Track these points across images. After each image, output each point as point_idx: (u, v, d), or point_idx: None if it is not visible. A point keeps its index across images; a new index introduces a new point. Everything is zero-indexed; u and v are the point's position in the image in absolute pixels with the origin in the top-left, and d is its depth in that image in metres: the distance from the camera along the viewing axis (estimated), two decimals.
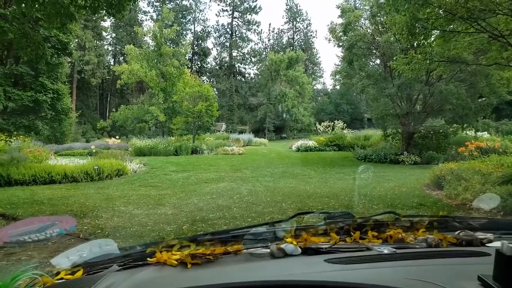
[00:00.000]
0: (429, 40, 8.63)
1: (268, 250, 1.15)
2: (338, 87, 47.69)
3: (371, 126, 29.72)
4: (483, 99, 14.45)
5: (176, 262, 1.06)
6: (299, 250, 1.14)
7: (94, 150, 17.78)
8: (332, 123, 28.64)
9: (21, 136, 12.56)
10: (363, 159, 16.51)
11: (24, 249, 4.59)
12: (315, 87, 56.50)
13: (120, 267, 1.10)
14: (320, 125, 30.17)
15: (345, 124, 27.89)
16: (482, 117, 17.26)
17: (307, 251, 1.15)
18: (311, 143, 22.90)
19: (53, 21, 5.53)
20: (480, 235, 1.27)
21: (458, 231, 1.31)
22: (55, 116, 11.50)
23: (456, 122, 15.67)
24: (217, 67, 56.23)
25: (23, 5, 4.84)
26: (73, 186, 10.31)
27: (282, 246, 1.14)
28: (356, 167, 13.91)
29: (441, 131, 16.25)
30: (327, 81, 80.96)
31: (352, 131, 27.36)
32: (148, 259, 1.11)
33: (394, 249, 1.14)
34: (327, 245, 1.18)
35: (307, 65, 57.37)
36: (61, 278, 1.09)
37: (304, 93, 43.40)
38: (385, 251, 1.12)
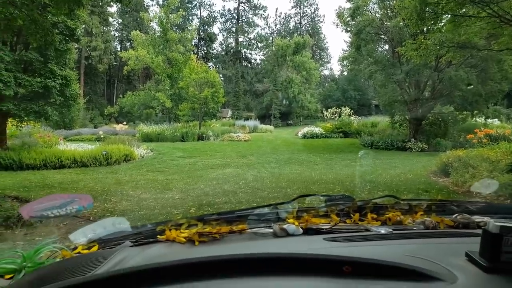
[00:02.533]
0: (439, 25, 8.49)
1: (271, 230, 1.21)
2: (345, 73, 47.31)
3: (379, 112, 29.48)
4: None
5: (184, 240, 1.12)
6: (301, 231, 1.19)
7: (102, 136, 17.98)
8: (339, 109, 28.45)
9: (31, 122, 12.71)
10: (370, 146, 16.47)
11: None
12: (322, 73, 55.97)
13: (133, 243, 1.17)
14: (326, 111, 30.01)
15: (352, 111, 27.70)
16: (492, 104, 16.99)
17: (308, 232, 1.20)
18: (317, 130, 22.82)
19: (61, 7, 5.55)
20: (477, 218, 1.30)
21: (456, 215, 1.34)
22: (64, 102, 11.60)
23: (465, 109, 15.46)
24: (223, 53, 55.78)
25: None
26: (82, 171, 10.46)
27: (285, 226, 1.20)
28: (365, 153, 13.93)
29: (449, 118, 16.07)
30: (334, 67, 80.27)
31: (359, 117, 27.17)
32: (158, 236, 1.18)
33: (391, 230, 1.19)
34: (328, 226, 1.23)
35: (314, 51, 56.67)
36: (79, 252, 1.17)
37: (311, 79, 42.96)
38: (382, 231, 1.17)
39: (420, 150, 15.04)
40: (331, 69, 66.89)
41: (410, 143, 15.47)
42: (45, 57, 10.66)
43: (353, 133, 21.36)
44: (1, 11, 6.65)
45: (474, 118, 17.47)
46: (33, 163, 10.55)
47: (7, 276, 1.05)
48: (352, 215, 1.33)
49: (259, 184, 8.20)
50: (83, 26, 25.80)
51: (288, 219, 1.27)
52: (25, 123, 12.53)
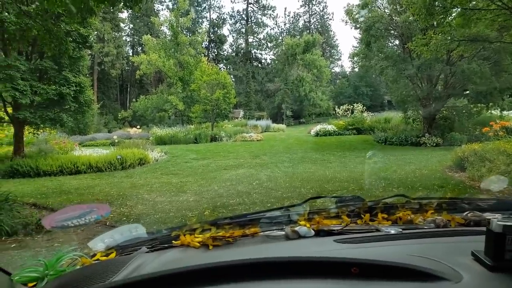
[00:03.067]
0: (448, 19, 8.36)
1: (283, 233, 1.23)
2: (356, 69, 46.79)
3: (392, 108, 29.13)
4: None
5: (198, 244, 1.16)
6: (312, 232, 1.21)
7: (116, 140, 18.24)
8: (351, 106, 28.16)
9: (47, 129, 13.01)
10: (384, 142, 16.32)
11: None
12: (333, 70, 55.60)
13: (149, 249, 1.21)
14: (339, 108, 29.75)
15: (364, 107, 27.38)
16: (508, 96, 16.59)
17: (320, 233, 1.22)
18: (330, 127, 22.69)
19: (74, 16, 5.69)
20: (488, 215, 1.29)
21: (467, 212, 1.34)
22: (78, 108, 11.86)
23: (480, 101, 15.14)
24: (234, 54, 55.92)
25: (46, 1, 4.99)
26: (98, 176, 10.65)
27: (296, 228, 1.22)
28: (376, 151, 13.81)
29: (464, 111, 15.77)
30: (345, 63, 79.68)
31: (372, 114, 26.85)
32: (173, 241, 1.22)
33: (401, 230, 1.20)
34: (339, 227, 1.25)
35: (324, 48, 56.34)
36: (97, 259, 1.22)
37: (322, 76, 42.70)
38: (392, 232, 1.18)
39: (434, 145, 14.83)
40: (342, 66, 66.47)
41: (424, 138, 15.27)
42: (60, 65, 10.92)
43: (366, 130, 21.13)
44: (17, 22, 6.87)
45: (489, 111, 17.08)
46: (50, 170, 10.80)
47: (30, 284, 1.09)
48: (362, 216, 1.34)
49: (273, 184, 8.22)
50: (95, 32, 26.27)
51: (300, 221, 1.29)
52: (41, 130, 12.83)
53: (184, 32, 33.59)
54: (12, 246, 4.87)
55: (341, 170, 9.87)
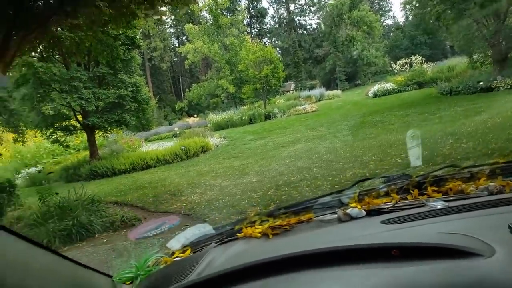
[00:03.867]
0: None
1: (336, 216, 1.28)
2: (410, 18, 43.47)
3: (455, 54, 26.73)
4: None
5: (259, 235, 1.25)
6: (363, 213, 1.25)
7: (177, 132, 19.07)
8: (409, 59, 26.37)
9: (114, 130, 13.96)
10: (449, 93, 15.07)
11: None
12: (384, 24, 52.19)
13: (217, 243, 1.32)
14: (396, 64, 28.04)
15: (423, 58, 25.47)
16: None
17: (371, 213, 1.25)
18: (388, 85, 21.57)
19: (119, 21, 5.91)
20: None
21: None
22: (138, 107, 12.55)
23: None
24: (277, 26, 54.84)
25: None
26: (166, 168, 11.25)
27: (348, 210, 1.26)
28: (441, 104, 12.77)
29: None
30: (397, 13, 73.94)
31: (433, 64, 24.91)
32: (237, 234, 1.32)
33: (447, 203, 1.17)
34: (389, 205, 1.26)
35: (372, 2, 52.93)
36: (176, 257, 1.35)
37: (373, 32, 40.46)
38: (438, 206, 1.16)
39: (509, 87, 13.39)
40: (394, 17, 61.84)
41: (496, 81, 13.82)
42: (114, 69, 11.55)
43: (429, 83, 19.66)
44: (72, 37, 7.31)
45: None
46: (123, 168, 11.63)
47: (128, 283, 1.30)
48: (411, 191, 1.33)
49: (333, 156, 8.01)
50: (140, 30, 27.23)
51: (351, 203, 1.32)
52: (109, 132, 13.79)
53: (224, 13, 33.55)
54: (105, 241, 5.39)
55: (404, 131, 9.26)
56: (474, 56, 16.12)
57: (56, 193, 6.61)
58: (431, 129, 8.99)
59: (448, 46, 37.52)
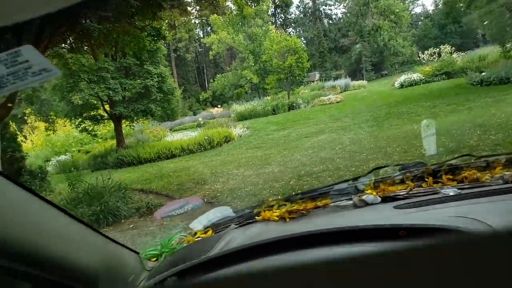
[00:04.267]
0: None
1: (351, 202, 1.31)
2: (440, 6, 41.89)
3: (487, 43, 25.61)
4: None
5: (277, 218, 1.30)
6: (378, 199, 1.27)
7: (202, 122, 19.31)
8: (438, 49, 25.48)
9: (140, 120, 14.30)
10: (479, 84, 14.47)
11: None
12: (413, 12, 50.47)
13: (237, 225, 1.39)
14: (424, 53, 27.15)
15: (453, 48, 24.54)
16: None
17: (386, 199, 1.28)
18: (415, 76, 20.91)
19: (145, 13, 6.04)
20: None
21: None
22: (163, 97, 12.80)
23: None
24: (302, 15, 54.06)
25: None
26: (190, 157, 11.46)
27: (363, 197, 1.29)
28: (470, 95, 12.30)
29: None
30: (426, 1, 71.45)
31: (463, 53, 23.98)
32: (256, 217, 1.37)
33: (459, 190, 1.19)
34: (404, 192, 1.29)
35: None
36: (198, 237, 1.45)
37: (401, 21, 39.14)
38: (451, 193, 1.18)
39: None
40: (423, 5, 59.93)
41: None
42: (140, 60, 11.79)
43: (458, 73, 18.93)
44: (100, 28, 7.52)
45: None
46: (149, 157, 11.93)
47: (153, 259, 1.38)
48: (426, 179, 1.35)
49: (356, 147, 7.92)
50: (166, 21, 27.56)
51: (366, 190, 1.35)
52: (135, 122, 14.14)
53: (249, 3, 33.39)
54: (131, 226, 5.62)
55: None
56: (507, 45, 15.42)
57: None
58: (459, 119, 8.72)
59: (480, 35, 35.93)
